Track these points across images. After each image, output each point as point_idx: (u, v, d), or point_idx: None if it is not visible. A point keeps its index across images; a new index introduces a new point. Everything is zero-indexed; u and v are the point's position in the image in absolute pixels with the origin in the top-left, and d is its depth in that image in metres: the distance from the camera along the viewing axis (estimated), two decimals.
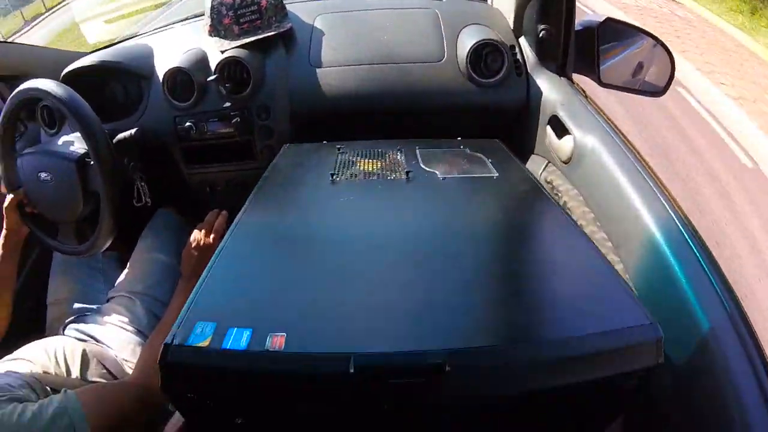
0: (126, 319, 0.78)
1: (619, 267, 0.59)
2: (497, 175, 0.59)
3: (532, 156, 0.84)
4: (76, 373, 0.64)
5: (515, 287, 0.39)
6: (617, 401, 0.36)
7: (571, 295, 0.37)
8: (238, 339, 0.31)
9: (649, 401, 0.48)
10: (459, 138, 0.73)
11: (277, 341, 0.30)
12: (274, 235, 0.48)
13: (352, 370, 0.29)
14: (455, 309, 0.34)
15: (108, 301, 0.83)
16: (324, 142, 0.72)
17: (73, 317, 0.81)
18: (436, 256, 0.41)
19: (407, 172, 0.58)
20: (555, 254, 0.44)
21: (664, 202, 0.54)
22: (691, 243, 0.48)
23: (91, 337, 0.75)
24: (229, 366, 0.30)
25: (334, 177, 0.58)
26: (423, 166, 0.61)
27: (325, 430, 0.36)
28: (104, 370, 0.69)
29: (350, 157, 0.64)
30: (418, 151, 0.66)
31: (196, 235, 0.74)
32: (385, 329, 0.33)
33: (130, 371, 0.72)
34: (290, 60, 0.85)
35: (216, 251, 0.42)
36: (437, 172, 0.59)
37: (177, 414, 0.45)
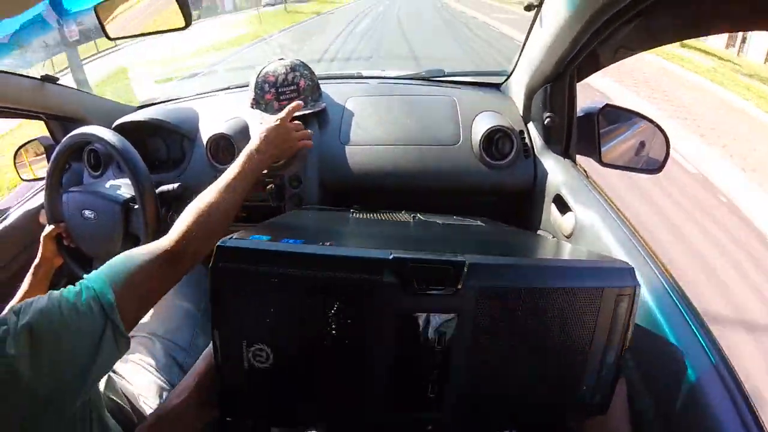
0: (145, 358, 0.82)
1: None
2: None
3: (539, 231, 0.90)
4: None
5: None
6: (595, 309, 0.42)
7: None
8: (292, 242, 0.38)
9: None
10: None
11: (327, 245, 0.38)
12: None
13: (390, 257, 0.36)
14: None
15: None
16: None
17: None
18: None
19: (413, 217, 0.69)
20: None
21: (653, 267, 0.59)
22: (678, 303, 0.53)
23: (113, 370, 0.78)
24: (283, 251, 0.37)
25: (353, 214, 0.69)
26: (424, 219, 0.71)
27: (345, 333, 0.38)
28: (124, 398, 0.72)
29: (363, 216, 0.73)
30: (422, 218, 0.74)
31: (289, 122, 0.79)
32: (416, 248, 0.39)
33: (145, 407, 0.74)
34: (322, 136, 0.95)
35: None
36: (439, 220, 0.70)
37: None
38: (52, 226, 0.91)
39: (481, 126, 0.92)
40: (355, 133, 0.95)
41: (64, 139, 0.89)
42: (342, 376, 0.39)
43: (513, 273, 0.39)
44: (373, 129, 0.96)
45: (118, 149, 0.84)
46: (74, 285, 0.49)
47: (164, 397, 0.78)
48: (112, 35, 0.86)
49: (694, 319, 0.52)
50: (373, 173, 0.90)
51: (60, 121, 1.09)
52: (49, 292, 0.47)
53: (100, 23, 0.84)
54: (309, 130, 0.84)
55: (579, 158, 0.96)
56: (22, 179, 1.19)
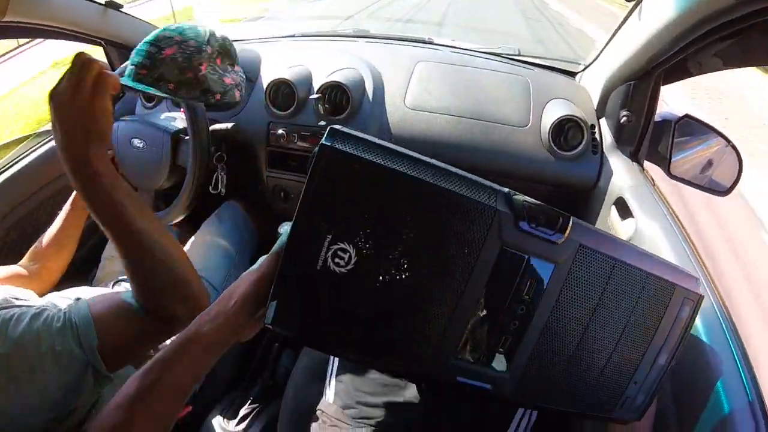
0: None
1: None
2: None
3: None
4: None
5: None
6: None
7: None
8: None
9: None
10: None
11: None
12: None
13: (505, 190, 0.38)
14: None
15: None
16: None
17: (124, 276, 0.85)
18: None
19: None
20: None
21: (708, 290, 0.57)
22: (724, 328, 0.52)
23: None
24: (407, 154, 0.36)
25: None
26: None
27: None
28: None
29: None
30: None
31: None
32: None
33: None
34: (388, 97, 0.92)
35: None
36: None
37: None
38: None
39: (553, 112, 0.88)
40: (421, 98, 0.92)
41: (121, 67, 0.88)
42: (423, 302, 0.36)
43: (610, 242, 0.40)
44: (440, 97, 0.92)
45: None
46: (60, 310, 0.45)
47: None
48: None
49: (740, 352, 0.50)
50: (435, 142, 0.87)
51: (118, 49, 1.08)
52: (32, 315, 0.43)
53: None
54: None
55: (646, 165, 0.91)
56: None
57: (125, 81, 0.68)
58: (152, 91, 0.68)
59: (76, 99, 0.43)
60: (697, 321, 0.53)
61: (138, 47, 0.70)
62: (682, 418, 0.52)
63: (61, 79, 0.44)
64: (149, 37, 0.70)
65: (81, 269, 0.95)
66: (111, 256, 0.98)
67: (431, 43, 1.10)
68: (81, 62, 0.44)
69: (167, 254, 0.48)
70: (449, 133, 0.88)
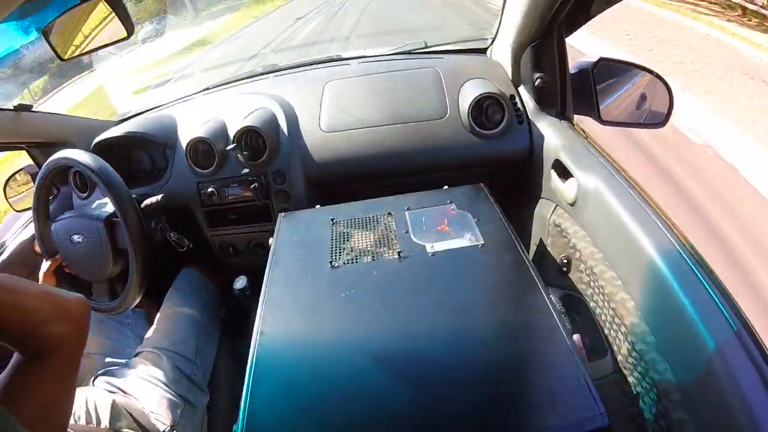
0: (153, 374, 0.81)
1: (630, 304, 0.60)
2: (482, 243, 0.61)
3: (540, 200, 0.85)
4: (105, 422, 0.67)
5: (494, 385, 0.46)
6: None
7: (539, 390, 0.45)
8: None
9: (669, 427, 0.50)
10: (446, 187, 0.74)
11: None
12: (292, 347, 0.53)
13: None
14: (444, 410, 0.43)
15: (136, 355, 0.87)
16: (317, 207, 0.74)
17: (102, 370, 0.85)
18: (426, 357, 0.48)
19: (399, 253, 0.61)
20: (530, 343, 0.49)
21: (666, 233, 0.55)
22: (695, 270, 0.50)
23: (120, 389, 0.78)
24: None
25: (333, 264, 0.61)
26: (413, 239, 0.63)
27: None
28: (132, 421, 0.72)
29: (344, 229, 0.67)
30: (407, 217, 0.68)
31: None
32: None
33: (156, 422, 0.74)
34: (303, 126, 0.91)
35: (248, 370, 0.49)
36: (426, 246, 0.62)
37: None
38: (48, 262, 0.90)
39: (468, 95, 0.86)
40: (336, 119, 0.91)
41: (41, 169, 0.87)
42: None
43: None
44: (355, 112, 0.91)
45: (92, 168, 0.82)
46: None
47: (177, 412, 0.77)
48: (64, 56, 0.84)
49: (713, 285, 0.49)
50: (359, 159, 0.86)
51: (41, 148, 1.07)
52: None
53: (51, 46, 0.82)
54: None
55: (577, 119, 0.90)
56: (15, 210, 1.18)
57: None
58: None
59: None
60: (664, 269, 0.51)
61: None
62: (672, 366, 0.50)
63: None
64: None
65: None
66: (86, 353, 0.95)
67: (340, 59, 1.10)
68: None
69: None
70: (369, 145, 0.87)
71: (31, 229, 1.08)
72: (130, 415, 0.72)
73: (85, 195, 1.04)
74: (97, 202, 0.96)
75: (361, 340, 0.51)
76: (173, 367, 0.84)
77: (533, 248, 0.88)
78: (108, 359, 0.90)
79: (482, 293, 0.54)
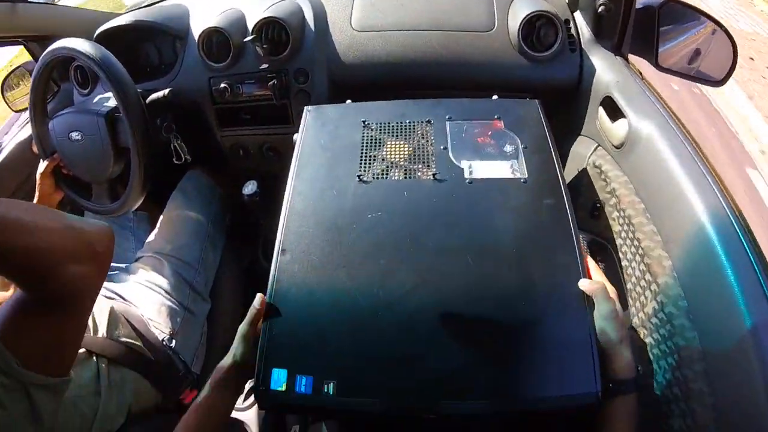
0: (153, 280, 0.78)
1: (666, 263, 0.56)
2: (525, 178, 0.55)
3: (581, 137, 0.80)
4: (102, 330, 0.64)
5: (501, 343, 0.45)
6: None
7: (545, 356, 0.44)
8: (304, 384, 0.44)
9: (686, 396, 0.48)
10: (495, 97, 0.67)
11: (330, 386, 0.43)
12: (313, 269, 0.51)
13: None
14: (457, 363, 0.44)
15: (137, 260, 0.83)
16: (348, 102, 0.67)
17: None
18: (443, 302, 0.47)
19: (434, 175, 0.56)
20: (549, 306, 0.47)
21: (718, 194, 0.51)
22: (742, 239, 0.47)
23: (119, 295, 0.75)
24: (301, 405, 0.44)
25: (362, 178, 0.56)
26: (452, 158, 0.58)
27: None
28: (130, 329, 0.69)
29: (377, 135, 0.61)
30: (448, 129, 0.61)
31: None
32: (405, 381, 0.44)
33: (155, 331, 0.72)
34: (331, 22, 0.82)
35: (270, 285, 0.49)
36: (465, 170, 0.56)
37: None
38: (45, 162, 0.83)
39: (520, 10, 0.78)
40: (370, 17, 0.82)
41: (38, 61, 0.78)
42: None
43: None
44: (390, 12, 0.82)
45: (93, 57, 0.73)
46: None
47: (177, 321, 0.75)
48: None
49: (759, 261, 0.46)
50: (392, 63, 0.78)
51: (40, 42, 0.97)
52: None
53: None
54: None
55: (632, 58, 0.82)
56: (13, 111, 1.09)
57: None
58: None
59: None
60: (713, 237, 0.48)
61: None
62: (703, 340, 0.48)
63: None
64: None
65: None
66: None
67: None
68: None
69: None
70: (406, 50, 0.78)
71: (29, 129, 1.00)
72: (129, 322, 0.69)
73: (86, 91, 0.95)
74: (99, 97, 0.88)
75: (383, 272, 0.48)
76: (174, 273, 0.81)
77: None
78: None
79: (513, 239, 0.50)
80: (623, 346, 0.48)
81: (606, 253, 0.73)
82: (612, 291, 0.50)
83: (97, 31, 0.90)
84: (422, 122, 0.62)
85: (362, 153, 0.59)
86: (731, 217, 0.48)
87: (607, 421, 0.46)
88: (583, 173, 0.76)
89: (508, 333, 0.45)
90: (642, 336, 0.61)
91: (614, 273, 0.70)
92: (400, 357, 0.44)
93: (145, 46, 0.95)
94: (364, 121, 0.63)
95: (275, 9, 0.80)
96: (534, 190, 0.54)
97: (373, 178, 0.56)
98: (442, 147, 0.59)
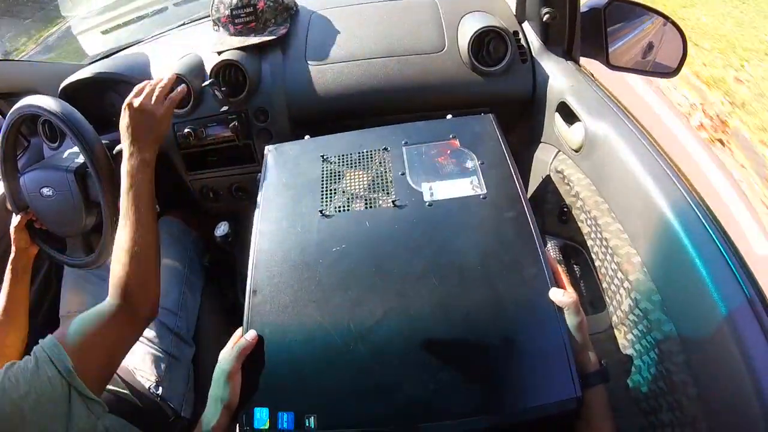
0: None
1: (635, 259, 0.57)
2: (484, 194, 0.56)
3: (542, 144, 0.81)
4: None
5: (475, 360, 0.46)
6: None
7: (520, 369, 0.45)
8: (286, 420, 0.44)
9: (671, 389, 0.48)
10: (449, 116, 0.68)
11: (311, 420, 0.44)
12: (283, 309, 0.51)
13: None
14: (435, 384, 0.44)
15: None
16: (307, 137, 0.68)
17: None
18: (413, 326, 0.47)
19: (394, 201, 0.56)
20: (520, 317, 0.48)
21: (680, 188, 0.51)
22: (707, 227, 0.47)
23: None
24: None
25: (324, 212, 0.57)
26: (410, 182, 0.58)
27: None
28: (117, 379, 0.69)
29: (336, 167, 0.62)
30: (405, 154, 0.62)
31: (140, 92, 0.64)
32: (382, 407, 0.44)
33: (141, 379, 0.72)
34: (287, 59, 0.83)
35: (244, 327, 0.50)
36: (424, 193, 0.57)
37: None
38: (18, 216, 0.83)
39: (468, 28, 0.79)
40: (324, 51, 0.83)
41: (5, 119, 0.79)
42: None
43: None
44: (344, 44, 0.83)
45: (57, 114, 0.73)
46: (30, 354, 0.49)
47: (162, 368, 0.75)
48: None
49: (727, 247, 0.46)
50: (349, 94, 0.79)
51: (6, 99, 0.98)
52: (6, 366, 0.46)
53: None
54: (181, 86, 0.67)
55: (583, 61, 0.84)
56: None
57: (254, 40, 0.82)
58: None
59: (155, 111, 0.62)
60: (678, 227, 0.48)
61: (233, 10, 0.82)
62: (681, 331, 0.48)
63: (139, 91, 0.63)
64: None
65: (45, 331, 0.90)
66: (67, 313, 0.91)
67: None
68: (157, 81, 0.64)
69: (155, 248, 0.59)
70: (361, 79, 0.79)
71: (1, 187, 1.01)
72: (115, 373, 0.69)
73: (55, 145, 0.96)
74: (69, 151, 0.88)
75: (352, 303, 0.49)
76: (156, 322, 0.80)
77: (531, 194, 0.85)
78: None
79: (477, 257, 0.51)
80: (586, 346, 0.49)
81: (580, 256, 0.73)
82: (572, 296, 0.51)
83: (61, 86, 0.91)
84: (379, 150, 0.63)
85: (323, 187, 0.60)
86: (694, 207, 0.49)
87: (584, 415, 0.46)
88: (548, 179, 0.77)
89: (482, 349, 0.46)
90: (623, 334, 0.61)
91: (590, 275, 0.70)
92: (377, 385, 0.44)
93: (109, 96, 0.96)
94: (323, 156, 0.63)
95: (231, 51, 0.81)
96: (494, 204, 0.55)
97: (336, 211, 0.57)
98: (400, 173, 0.60)
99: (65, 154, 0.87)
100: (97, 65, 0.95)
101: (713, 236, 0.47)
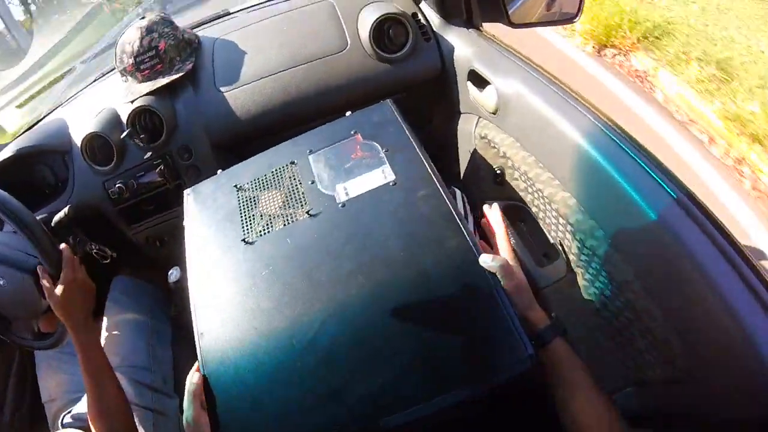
0: None
1: (571, 201, 0.58)
2: (393, 180, 0.56)
3: (463, 115, 0.82)
4: None
5: (419, 345, 0.45)
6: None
7: (465, 344, 0.44)
8: None
9: (637, 317, 0.49)
10: (348, 113, 0.68)
11: None
12: (231, 339, 0.51)
13: None
14: (383, 378, 0.44)
15: None
16: (219, 172, 0.68)
17: (67, 409, 0.80)
18: (351, 329, 0.47)
19: (308, 212, 0.56)
20: (452, 291, 0.47)
21: (590, 118, 0.53)
22: (625, 148, 0.49)
23: (81, 420, 0.73)
24: None
25: (246, 239, 0.56)
26: (321, 188, 0.58)
27: None
28: None
29: (251, 194, 0.62)
30: (311, 163, 0.62)
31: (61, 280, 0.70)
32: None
33: None
34: (198, 92, 0.83)
35: (200, 370, 0.50)
36: (336, 195, 0.57)
37: None
38: None
39: (366, 21, 0.80)
40: (233, 75, 0.83)
41: None
42: None
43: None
44: (251, 63, 0.83)
45: None
46: None
47: (150, 425, 0.73)
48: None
49: (644, 157, 0.47)
50: (265, 111, 0.79)
51: None
52: None
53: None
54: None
55: (488, 26, 0.86)
56: None
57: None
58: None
59: (75, 289, 0.69)
60: (594, 154, 0.50)
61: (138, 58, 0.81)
62: (617, 245, 0.49)
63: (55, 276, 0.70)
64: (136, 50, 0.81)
65: (32, 419, 0.89)
66: (49, 398, 0.89)
67: (227, 14, 1.00)
68: (68, 260, 0.70)
69: (122, 398, 0.67)
70: (274, 94, 0.80)
71: None
72: None
73: None
74: (7, 234, 0.86)
75: (290, 320, 0.49)
76: (131, 381, 0.79)
77: (464, 164, 0.86)
78: (69, 396, 0.84)
79: (399, 243, 0.50)
80: (531, 305, 0.48)
81: (523, 212, 0.74)
82: (510, 258, 0.51)
83: None
84: (287, 165, 0.63)
85: (242, 216, 0.59)
86: (604, 130, 0.51)
87: (553, 372, 0.46)
88: (475, 147, 0.79)
89: (423, 333, 0.45)
90: (581, 276, 0.62)
91: (537, 230, 0.71)
92: (331, 391, 0.44)
93: (38, 169, 0.94)
94: (236, 186, 0.63)
95: (143, 98, 0.81)
96: (405, 188, 0.55)
97: (258, 236, 0.56)
98: (310, 182, 0.59)
99: (7, 238, 0.85)
100: (18, 141, 0.93)
101: (627, 150, 0.48)
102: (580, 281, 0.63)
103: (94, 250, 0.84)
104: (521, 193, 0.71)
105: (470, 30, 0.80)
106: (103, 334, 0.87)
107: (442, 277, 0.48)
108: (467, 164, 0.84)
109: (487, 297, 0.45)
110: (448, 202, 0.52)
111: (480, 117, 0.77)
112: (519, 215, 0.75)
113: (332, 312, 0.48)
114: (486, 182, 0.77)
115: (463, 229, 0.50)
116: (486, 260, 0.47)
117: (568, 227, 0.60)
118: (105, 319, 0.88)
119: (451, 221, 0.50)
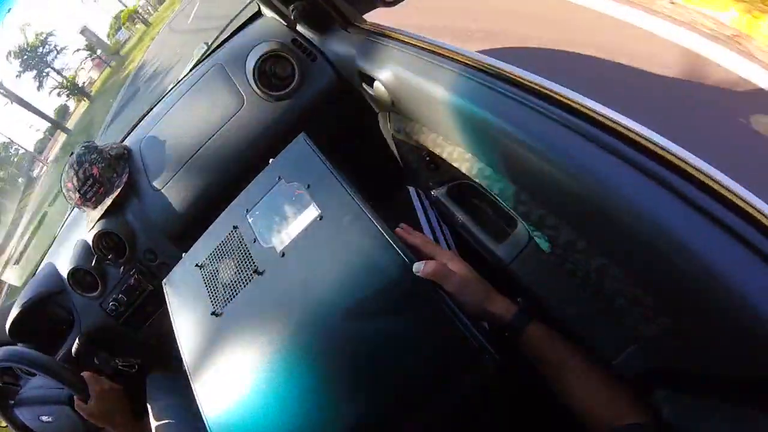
0: None
1: (479, 165, 0.56)
2: (319, 214, 0.56)
3: (378, 115, 0.80)
4: None
5: (381, 376, 0.45)
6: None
7: (424, 362, 0.43)
8: None
9: (599, 279, 0.46)
10: (271, 160, 0.68)
11: None
12: (233, 417, 0.53)
13: None
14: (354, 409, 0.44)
15: None
16: (183, 255, 0.72)
17: None
18: (316, 377, 0.48)
19: (255, 270, 0.58)
20: (399, 310, 0.46)
21: (456, 70, 0.52)
22: (487, 84, 0.48)
23: None
24: None
25: (216, 312, 0.59)
26: (262, 244, 0.59)
27: None
28: None
29: (211, 268, 0.64)
30: (249, 222, 0.63)
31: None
32: None
33: None
34: (141, 199, 0.88)
35: None
36: (276, 247, 0.57)
37: None
38: None
39: (249, 68, 0.81)
40: (163, 169, 0.87)
41: None
42: None
43: None
44: (174, 151, 0.87)
45: (11, 360, 0.80)
46: None
47: None
48: None
49: (516, 92, 0.45)
50: (202, 191, 0.83)
51: None
52: None
53: None
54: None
55: (369, 16, 0.82)
56: None
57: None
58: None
59: (105, 398, 0.80)
60: (479, 110, 0.49)
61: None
62: (552, 205, 0.47)
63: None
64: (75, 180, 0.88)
65: None
66: None
67: (149, 111, 1.04)
68: (89, 378, 0.81)
69: None
70: (203, 173, 0.83)
71: None
72: None
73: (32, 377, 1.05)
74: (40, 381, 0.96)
75: (266, 384, 0.50)
76: None
77: (402, 165, 0.83)
78: None
79: (337, 276, 0.50)
80: (489, 297, 0.47)
81: (470, 190, 0.70)
82: (445, 257, 0.49)
83: (7, 329, 0.98)
84: (232, 231, 0.65)
85: (207, 291, 0.62)
86: (468, 76, 0.50)
87: (536, 356, 0.45)
88: (397, 143, 0.76)
89: (381, 363, 0.45)
90: (540, 237, 0.57)
91: (490, 203, 0.67)
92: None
93: (50, 311, 1.03)
94: (197, 264, 0.66)
95: (98, 223, 0.87)
96: (331, 218, 0.54)
97: (222, 306, 0.59)
98: (253, 240, 0.61)
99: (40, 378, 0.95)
100: (21, 295, 1.02)
101: (501, 91, 0.46)
102: (544, 244, 0.58)
103: (120, 365, 0.92)
104: (455, 172, 0.68)
105: (349, 31, 0.77)
106: (153, 424, 0.95)
107: (385, 300, 0.47)
108: (400, 163, 0.81)
109: (433, 305, 0.44)
110: (371, 218, 0.51)
111: (388, 112, 0.74)
112: (469, 193, 0.71)
113: (297, 359, 0.49)
114: (424, 171, 0.74)
115: (391, 240, 0.48)
116: (417, 269, 0.45)
117: (496, 196, 0.56)
118: (150, 417, 0.96)
119: (377, 238, 0.49)
